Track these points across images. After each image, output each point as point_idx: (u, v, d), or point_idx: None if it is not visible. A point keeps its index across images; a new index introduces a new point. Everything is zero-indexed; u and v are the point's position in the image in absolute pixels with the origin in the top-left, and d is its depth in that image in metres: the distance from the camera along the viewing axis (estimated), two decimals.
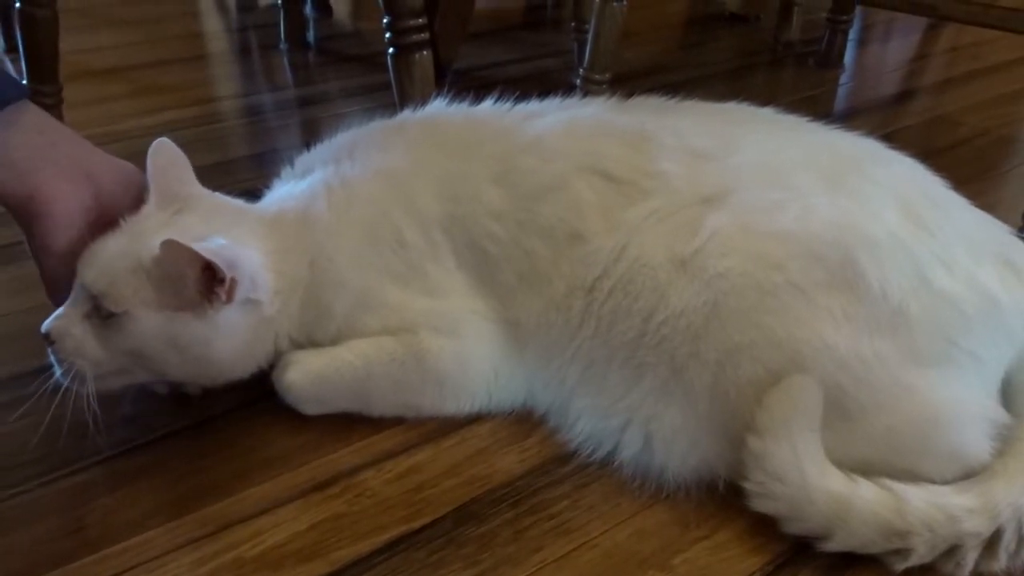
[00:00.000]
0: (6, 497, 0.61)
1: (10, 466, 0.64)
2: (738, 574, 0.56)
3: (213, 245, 0.59)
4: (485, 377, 0.68)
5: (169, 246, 0.57)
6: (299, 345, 0.68)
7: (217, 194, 0.69)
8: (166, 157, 0.65)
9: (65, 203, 0.61)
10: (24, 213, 0.61)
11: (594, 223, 0.65)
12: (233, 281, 0.59)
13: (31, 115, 0.61)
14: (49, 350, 0.62)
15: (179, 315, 0.60)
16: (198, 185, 0.67)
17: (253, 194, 0.74)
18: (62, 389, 0.62)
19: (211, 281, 0.59)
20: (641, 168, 0.65)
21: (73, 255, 0.62)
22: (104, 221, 0.63)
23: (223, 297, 0.60)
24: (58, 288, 0.63)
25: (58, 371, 0.62)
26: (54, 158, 0.61)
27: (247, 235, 0.65)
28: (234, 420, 0.69)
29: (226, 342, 0.63)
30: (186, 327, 0.61)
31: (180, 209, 0.64)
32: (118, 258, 0.60)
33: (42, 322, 0.62)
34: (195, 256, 0.57)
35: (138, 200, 0.65)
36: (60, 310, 0.62)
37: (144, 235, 0.61)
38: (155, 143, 0.65)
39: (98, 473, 0.64)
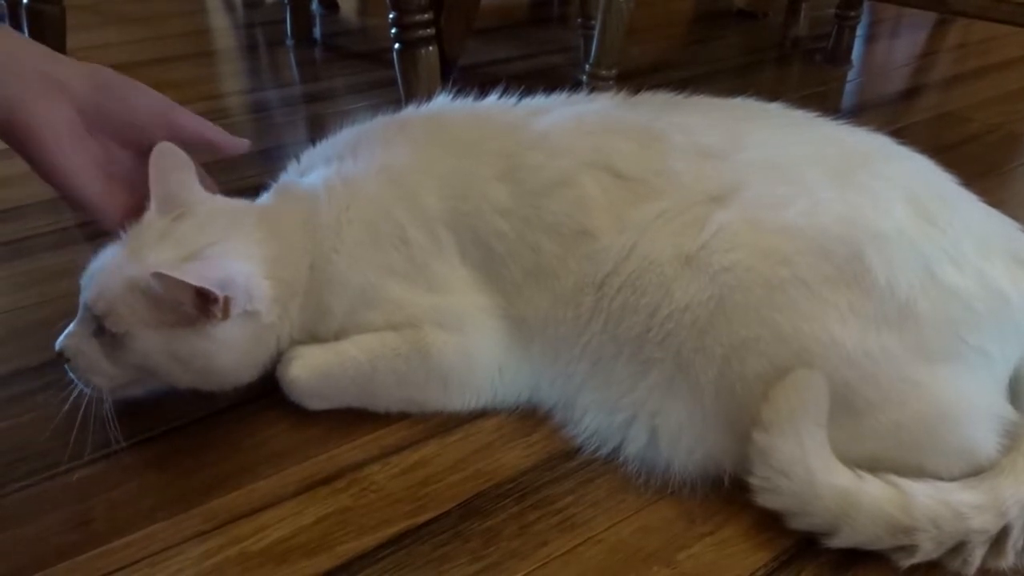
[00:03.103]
0: (13, 491, 0.62)
1: (17, 460, 0.64)
2: (743, 570, 0.56)
3: (203, 268, 0.59)
4: (489, 372, 0.68)
5: (158, 279, 0.57)
6: (301, 343, 0.68)
7: (217, 196, 0.68)
8: (169, 161, 0.64)
9: (50, 124, 0.58)
10: (10, 137, 0.59)
11: (602, 220, 0.64)
12: (227, 299, 0.59)
13: None
14: (65, 367, 0.63)
15: (178, 332, 0.60)
16: (199, 188, 0.66)
17: (260, 189, 0.74)
18: (74, 390, 0.63)
19: (205, 301, 0.59)
20: (650, 166, 0.65)
21: (80, 166, 0.60)
22: (90, 123, 0.61)
23: (219, 315, 0.60)
24: (94, 206, 0.62)
25: (83, 387, 0.63)
26: (20, 74, 0.58)
27: (244, 242, 0.64)
28: (240, 415, 0.69)
29: (228, 353, 0.63)
30: (187, 343, 0.61)
31: (180, 215, 0.64)
32: (115, 277, 0.61)
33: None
34: (185, 285, 0.57)
35: (113, 100, 0.62)
36: (70, 328, 0.63)
37: (140, 251, 0.61)
38: (157, 147, 0.64)
39: (104, 467, 0.64)
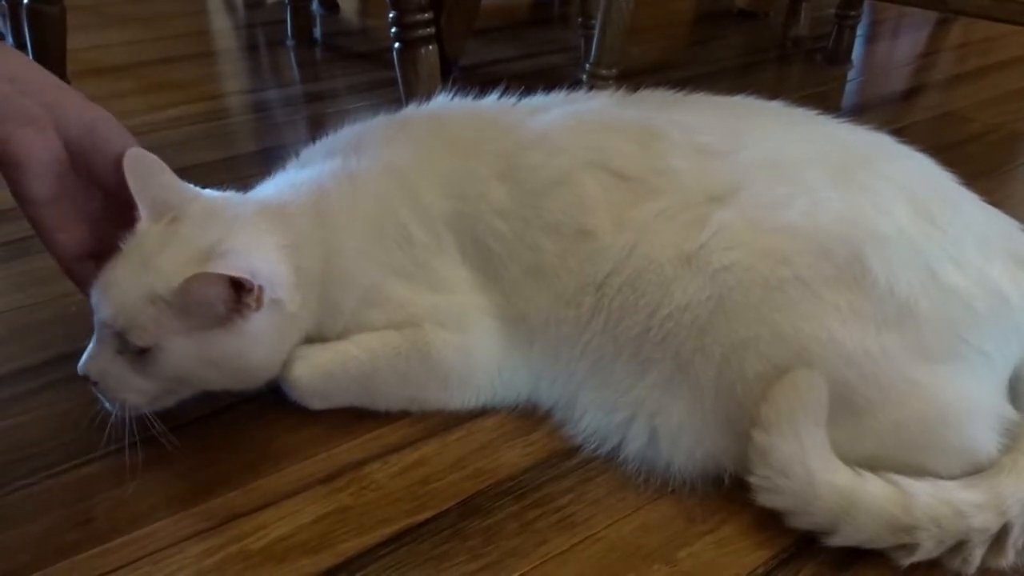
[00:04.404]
0: (14, 489, 0.62)
1: (18, 459, 0.64)
2: (743, 568, 0.56)
3: (230, 261, 0.58)
4: (489, 372, 0.68)
5: (199, 279, 0.56)
6: (309, 339, 0.68)
7: (206, 191, 0.67)
8: (142, 166, 0.62)
9: (37, 154, 0.59)
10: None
11: (602, 219, 0.64)
12: (260, 288, 0.59)
13: (2, 61, 0.60)
14: (93, 389, 0.62)
15: (209, 334, 0.60)
16: (182, 185, 0.65)
17: None
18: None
19: (239, 294, 0.59)
20: (649, 165, 0.65)
21: (54, 202, 0.61)
22: (74, 160, 0.62)
23: (253, 305, 0.59)
24: (49, 234, 0.63)
25: (108, 405, 0.62)
26: (24, 107, 0.59)
27: (252, 233, 0.64)
28: (241, 414, 0.69)
29: (260, 347, 0.63)
30: (219, 343, 0.60)
31: (175, 218, 0.62)
32: (131, 292, 0.59)
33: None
34: (223, 279, 0.57)
35: (104, 145, 0.62)
36: (91, 349, 0.61)
37: (150, 260, 0.60)
38: (128, 154, 0.61)
39: (105, 466, 0.64)
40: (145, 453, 0.65)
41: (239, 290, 0.58)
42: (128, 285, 0.59)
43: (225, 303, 0.59)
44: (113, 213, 0.63)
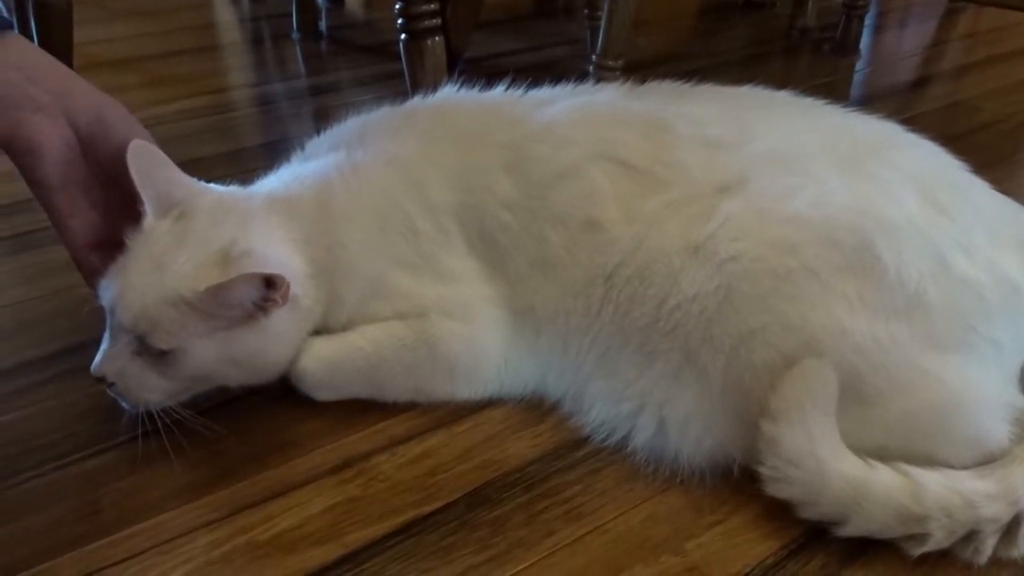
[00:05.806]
0: (22, 481, 0.62)
1: (26, 450, 0.64)
2: (752, 559, 0.56)
3: (260, 258, 0.59)
4: (495, 362, 0.68)
5: (240, 280, 0.57)
6: (315, 331, 0.68)
7: (210, 186, 0.67)
8: (147, 159, 0.62)
9: (49, 140, 0.60)
10: (9, 150, 0.60)
11: (610, 211, 0.64)
12: (288, 284, 0.59)
13: (10, 49, 0.60)
14: (108, 389, 0.61)
15: (232, 333, 0.60)
16: (185, 179, 0.65)
17: None
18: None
19: (269, 291, 0.59)
20: (658, 157, 0.65)
21: (66, 188, 0.61)
22: (84, 148, 0.62)
23: (280, 302, 0.59)
24: (62, 220, 0.63)
25: (126, 405, 0.62)
26: (33, 95, 0.59)
27: (266, 229, 0.64)
28: (248, 405, 0.69)
29: (280, 342, 0.63)
30: (243, 342, 0.61)
31: (182, 214, 0.62)
32: (150, 295, 0.58)
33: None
34: (260, 278, 0.57)
35: (113, 133, 0.62)
36: (105, 350, 0.60)
37: (165, 261, 0.59)
38: (131, 147, 0.60)
39: (113, 457, 0.64)
40: (153, 444, 0.65)
41: (268, 287, 0.59)
42: (146, 288, 0.59)
43: (255, 301, 0.59)
44: (121, 201, 0.63)
